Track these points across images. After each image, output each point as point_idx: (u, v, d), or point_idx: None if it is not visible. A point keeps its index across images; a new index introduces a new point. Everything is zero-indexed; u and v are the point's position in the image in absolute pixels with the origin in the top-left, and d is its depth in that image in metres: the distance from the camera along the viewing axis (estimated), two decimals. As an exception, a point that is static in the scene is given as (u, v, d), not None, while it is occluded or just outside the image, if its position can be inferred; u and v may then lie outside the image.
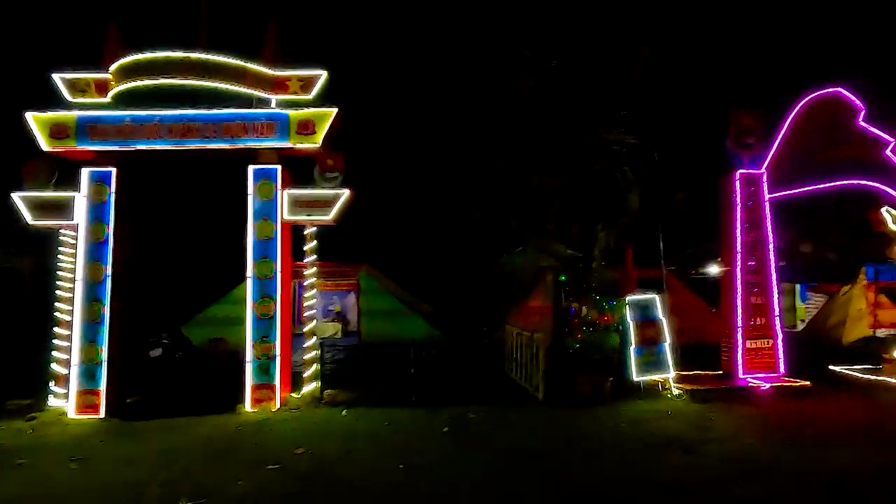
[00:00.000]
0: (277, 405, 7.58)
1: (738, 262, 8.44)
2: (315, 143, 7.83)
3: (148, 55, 7.44)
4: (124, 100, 7.70)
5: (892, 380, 8.56)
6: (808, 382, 8.01)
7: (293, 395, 8.07)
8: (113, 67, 7.56)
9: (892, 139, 9.29)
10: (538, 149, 8.36)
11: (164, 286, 13.68)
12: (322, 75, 7.99)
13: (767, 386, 7.90)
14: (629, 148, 7.80)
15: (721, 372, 8.73)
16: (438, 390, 8.31)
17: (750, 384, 8.02)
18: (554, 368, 7.91)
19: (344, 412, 7.36)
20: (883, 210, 8.98)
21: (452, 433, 6.26)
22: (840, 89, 9.24)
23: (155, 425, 6.75)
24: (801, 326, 16.87)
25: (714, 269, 35.20)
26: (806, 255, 20.37)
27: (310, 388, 8.03)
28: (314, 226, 8.24)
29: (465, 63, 9.11)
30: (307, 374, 8.07)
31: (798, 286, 21.33)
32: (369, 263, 17.83)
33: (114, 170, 7.77)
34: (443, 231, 15.80)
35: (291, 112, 7.87)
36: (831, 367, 9.62)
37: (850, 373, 9.24)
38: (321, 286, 22.12)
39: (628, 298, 8.15)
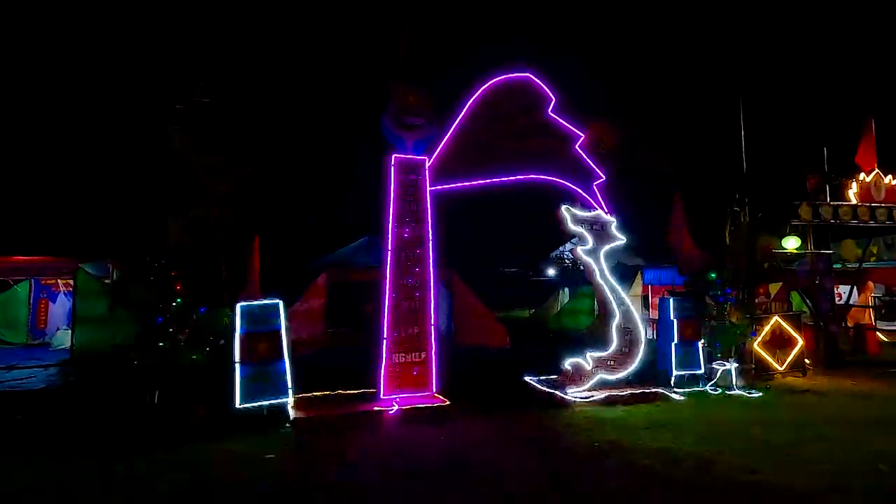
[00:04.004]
0: None
1: (389, 261, 7.19)
2: None
3: None
4: None
5: (558, 392, 7.86)
6: (446, 402, 6.92)
7: None
8: None
9: (582, 134, 8.74)
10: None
11: None
12: None
13: (396, 409, 6.67)
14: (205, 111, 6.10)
15: (375, 390, 7.44)
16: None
17: (384, 407, 6.74)
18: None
19: None
20: (562, 208, 8.31)
21: None
22: (530, 75, 8.47)
23: None
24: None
25: (552, 272, 36.05)
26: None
27: None
28: None
29: None
30: None
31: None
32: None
33: None
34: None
35: None
36: (526, 378, 8.88)
37: (535, 385, 8.49)
38: (66, 286, 18.24)
39: (240, 305, 6.50)
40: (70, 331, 15.49)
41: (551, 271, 33.59)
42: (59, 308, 17.20)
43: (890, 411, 7.19)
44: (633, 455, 5.39)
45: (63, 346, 14.63)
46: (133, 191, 6.56)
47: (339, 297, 14.79)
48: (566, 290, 22.54)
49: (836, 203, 10.60)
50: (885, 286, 19.96)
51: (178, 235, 6.08)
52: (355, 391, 7.56)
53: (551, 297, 23.43)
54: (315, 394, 7.50)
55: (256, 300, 6.72)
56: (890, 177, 11.13)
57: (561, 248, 31.91)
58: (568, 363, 8.06)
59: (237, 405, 6.33)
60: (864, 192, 10.85)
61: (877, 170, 11.01)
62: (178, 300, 6.11)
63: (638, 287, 18.05)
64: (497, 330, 14.97)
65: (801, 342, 9.98)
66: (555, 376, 8.57)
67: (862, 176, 10.92)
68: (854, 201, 10.73)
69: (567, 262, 30.40)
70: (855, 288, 13.44)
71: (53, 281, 16.96)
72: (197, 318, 6.19)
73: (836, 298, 20.87)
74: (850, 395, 8.25)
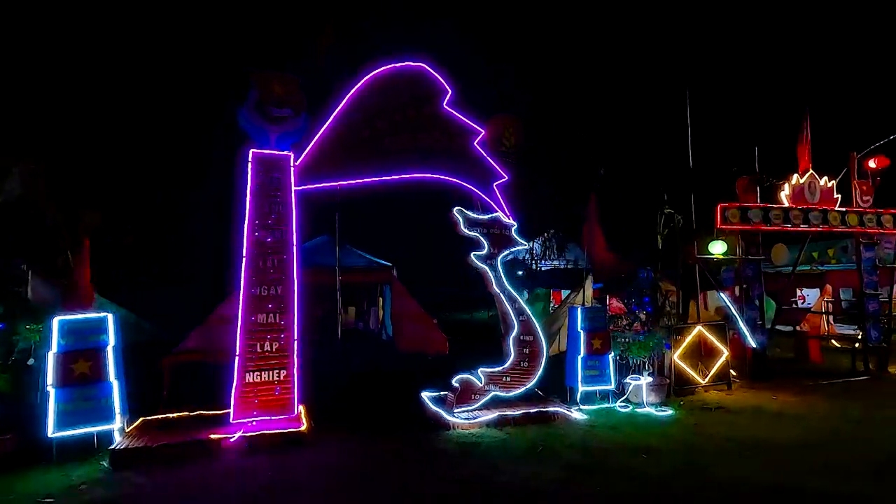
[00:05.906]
0: None
1: (245, 269, 6.42)
2: None
3: None
4: None
5: (443, 412, 7.16)
6: (303, 427, 6.19)
7: None
8: None
9: (482, 129, 8.05)
10: None
11: None
12: None
13: (237, 437, 5.91)
14: None
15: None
16: None
17: (226, 434, 5.97)
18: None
19: None
20: (455, 210, 7.61)
21: None
22: (423, 65, 7.76)
23: None
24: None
25: (520, 272, 35.35)
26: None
27: None
28: None
29: None
30: None
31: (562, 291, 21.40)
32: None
33: None
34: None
35: None
36: (423, 394, 8.16)
37: (428, 403, 7.77)
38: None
39: (57, 319, 5.70)
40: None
41: (519, 272, 32.88)
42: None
43: (795, 435, 6.59)
44: (476, 498, 4.69)
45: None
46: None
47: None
48: (524, 291, 21.95)
49: (766, 206, 10.01)
50: (852, 289, 19.56)
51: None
52: (218, 412, 6.79)
53: (509, 299, 22.80)
54: (171, 415, 6.76)
55: (84, 312, 5.93)
56: (826, 178, 10.59)
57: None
58: (456, 380, 7.36)
59: (50, 433, 5.55)
60: (798, 194, 10.29)
61: (811, 171, 10.47)
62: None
63: (589, 290, 17.48)
64: (435, 335, 14.19)
65: (725, 353, 9.39)
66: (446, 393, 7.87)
67: (795, 178, 10.36)
68: (786, 204, 10.16)
69: (525, 260, 29.75)
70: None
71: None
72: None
73: (799, 301, 20.48)
74: (761, 414, 7.64)
